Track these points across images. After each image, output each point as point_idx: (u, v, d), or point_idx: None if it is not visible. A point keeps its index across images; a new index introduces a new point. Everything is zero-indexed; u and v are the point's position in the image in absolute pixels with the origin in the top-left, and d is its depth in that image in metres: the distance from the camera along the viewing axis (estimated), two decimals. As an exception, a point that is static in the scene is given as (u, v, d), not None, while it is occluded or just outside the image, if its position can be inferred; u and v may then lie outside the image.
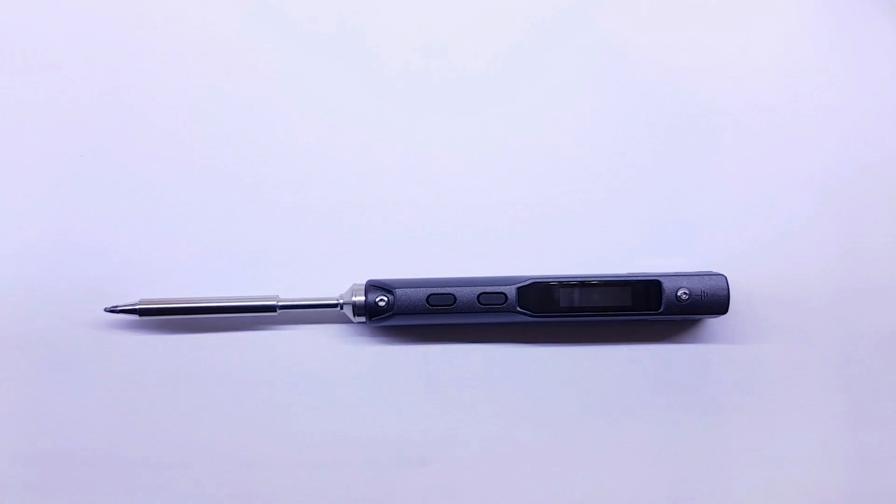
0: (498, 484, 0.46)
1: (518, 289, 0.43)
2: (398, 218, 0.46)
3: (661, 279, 0.44)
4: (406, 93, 0.47)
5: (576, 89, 0.47)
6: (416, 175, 0.47)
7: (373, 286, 0.44)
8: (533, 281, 0.44)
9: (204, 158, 0.46)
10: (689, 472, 0.46)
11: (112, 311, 0.44)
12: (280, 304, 0.44)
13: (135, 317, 0.44)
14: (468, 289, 0.43)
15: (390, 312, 0.43)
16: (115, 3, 0.47)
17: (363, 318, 0.44)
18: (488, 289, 0.43)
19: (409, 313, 0.43)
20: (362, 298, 0.43)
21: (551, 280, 0.44)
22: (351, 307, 0.44)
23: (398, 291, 0.43)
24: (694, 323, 0.47)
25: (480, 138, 0.47)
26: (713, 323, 0.47)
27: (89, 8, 0.46)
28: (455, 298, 0.43)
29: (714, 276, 0.44)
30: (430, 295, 0.43)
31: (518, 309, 0.43)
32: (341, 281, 0.45)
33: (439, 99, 0.47)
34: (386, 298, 0.43)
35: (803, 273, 0.47)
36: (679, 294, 0.43)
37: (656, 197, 0.47)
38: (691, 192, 0.47)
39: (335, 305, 0.44)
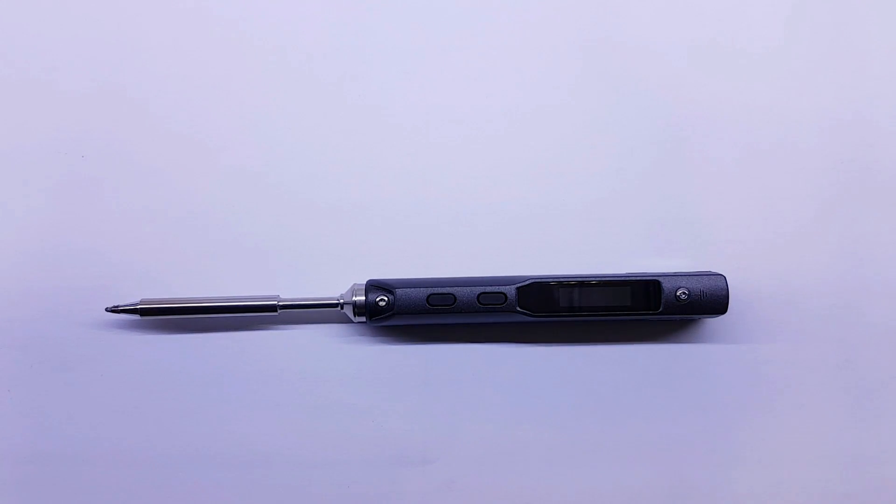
0: (498, 484, 0.46)
1: (518, 289, 0.43)
2: (398, 218, 0.47)
3: (660, 279, 0.44)
4: (406, 92, 0.47)
5: (575, 88, 0.47)
6: (416, 175, 0.47)
7: (373, 286, 0.44)
8: (533, 281, 0.44)
9: (204, 159, 0.46)
10: (689, 471, 0.46)
11: (113, 310, 0.44)
12: (280, 303, 0.44)
13: (136, 316, 0.44)
14: (468, 289, 0.43)
15: (390, 312, 0.43)
16: (116, 4, 0.47)
17: (363, 318, 0.44)
18: (488, 289, 0.43)
19: (409, 313, 0.43)
20: (362, 298, 0.43)
21: (551, 280, 0.44)
22: (351, 307, 0.44)
23: (398, 291, 0.43)
24: (693, 323, 0.47)
25: (480, 138, 0.47)
26: (712, 323, 0.47)
27: (90, 8, 0.47)
28: (455, 298, 0.43)
29: (713, 276, 0.44)
30: (430, 295, 0.43)
31: (518, 309, 0.43)
32: (341, 281, 0.45)
33: (439, 98, 0.47)
34: (386, 298, 0.43)
35: (803, 273, 0.47)
36: (678, 294, 0.43)
37: (656, 197, 0.47)
38: (691, 192, 0.47)
39: (335, 305, 0.44)
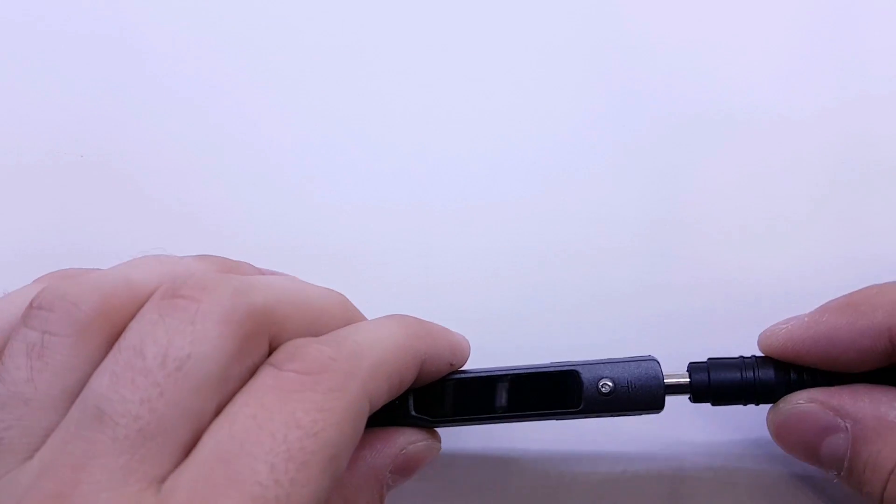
0: (498, 484, 0.46)
1: (413, 391, 0.34)
2: (398, 217, 0.46)
3: (578, 368, 0.35)
4: (406, 92, 0.47)
5: (576, 88, 0.47)
6: (416, 175, 0.47)
7: None
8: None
9: (205, 159, 0.46)
10: (688, 472, 0.46)
11: (112, 311, 0.44)
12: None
13: (135, 317, 0.44)
14: None
15: None
16: (116, 4, 0.47)
17: None
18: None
19: None
20: None
21: (446, 379, 0.35)
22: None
23: None
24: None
25: (480, 138, 0.47)
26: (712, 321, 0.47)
27: (89, 6, 0.47)
28: None
29: (643, 362, 0.35)
30: None
31: (413, 413, 0.34)
32: (341, 281, 0.45)
33: (439, 99, 0.47)
34: None
35: (803, 273, 0.47)
36: (600, 385, 0.34)
37: (656, 198, 0.47)
38: (691, 193, 0.47)
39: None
